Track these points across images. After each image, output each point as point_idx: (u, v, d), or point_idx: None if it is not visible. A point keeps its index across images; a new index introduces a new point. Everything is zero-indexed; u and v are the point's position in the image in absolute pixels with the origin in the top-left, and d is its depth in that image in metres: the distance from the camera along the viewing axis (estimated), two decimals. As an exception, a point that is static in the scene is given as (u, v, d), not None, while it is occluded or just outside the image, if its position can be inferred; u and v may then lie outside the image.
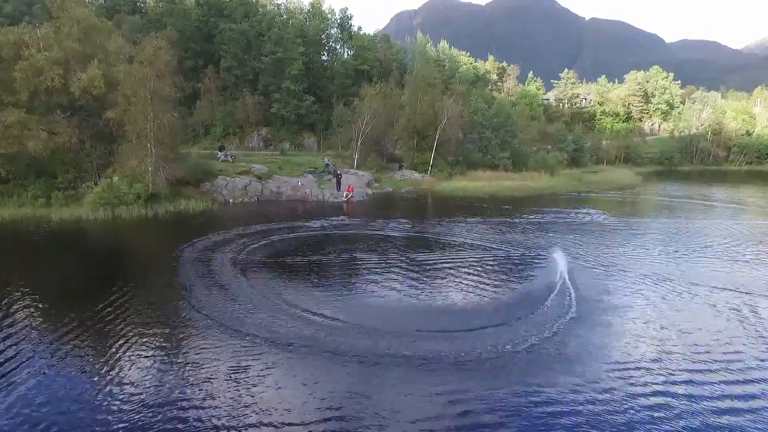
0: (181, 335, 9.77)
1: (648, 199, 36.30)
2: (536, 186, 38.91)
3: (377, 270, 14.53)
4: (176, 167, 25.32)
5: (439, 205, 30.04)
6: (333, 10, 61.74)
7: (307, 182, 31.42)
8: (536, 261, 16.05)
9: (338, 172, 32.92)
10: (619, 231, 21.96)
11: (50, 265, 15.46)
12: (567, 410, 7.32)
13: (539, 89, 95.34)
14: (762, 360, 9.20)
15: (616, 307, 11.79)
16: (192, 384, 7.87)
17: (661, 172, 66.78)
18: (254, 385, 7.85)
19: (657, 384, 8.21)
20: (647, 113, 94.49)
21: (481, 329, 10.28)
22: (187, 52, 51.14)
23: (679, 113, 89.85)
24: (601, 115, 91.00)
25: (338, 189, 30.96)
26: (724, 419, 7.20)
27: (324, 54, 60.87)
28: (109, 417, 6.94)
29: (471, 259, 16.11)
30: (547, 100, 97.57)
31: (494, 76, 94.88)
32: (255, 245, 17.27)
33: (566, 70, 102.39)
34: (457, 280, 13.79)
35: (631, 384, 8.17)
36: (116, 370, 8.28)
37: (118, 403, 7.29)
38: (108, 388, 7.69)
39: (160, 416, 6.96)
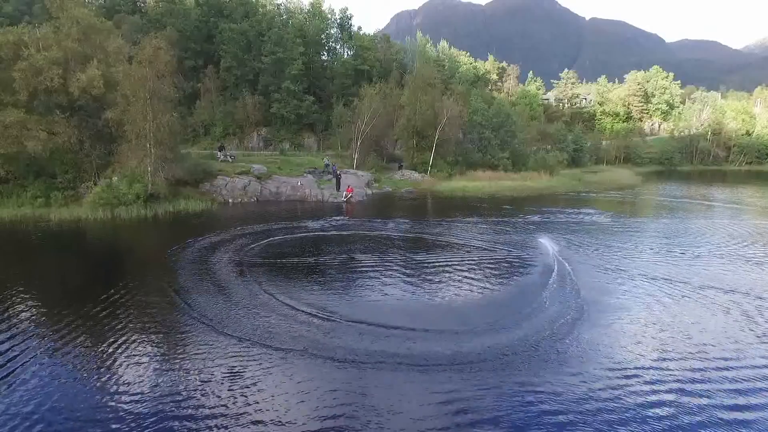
0: (179, 336, 9.75)
1: (648, 199, 36.29)
2: (536, 186, 38.91)
3: (376, 271, 14.51)
4: (176, 167, 25.30)
5: (438, 205, 30.02)
6: (333, 10, 61.82)
7: (306, 182, 31.41)
8: (535, 262, 16.02)
9: (338, 172, 32.91)
10: (620, 231, 21.94)
11: (49, 265, 15.44)
12: (568, 412, 7.27)
13: (539, 89, 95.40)
14: (766, 362, 9.10)
15: (616, 307, 11.74)
16: (189, 385, 7.85)
17: (661, 172, 66.78)
18: (251, 387, 7.82)
19: (658, 386, 8.13)
20: (647, 113, 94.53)
21: (481, 331, 10.27)
22: (187, 52, 51.16)
23: (679, 113, 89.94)
24: (601, 115, 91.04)
25: (338, 189, 30.96)
26: (728, 422, 7.13)
27: (324, 54, 60.88)
28: (106, 418, 6.92)
29: (470, 259, 16.09)
30: (547, 100, 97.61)
31: (494, 76, 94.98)
32: (254, 246, 17.26)
33: (566, 70, 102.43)
34: (456, 280, 13.75)
35: (633, 386, 8.11)
36: (113, 371, 8.25)
37: (114, 404, 7.27)
38: (104, 389, 7.67)
39: (155, 417, 6.94)
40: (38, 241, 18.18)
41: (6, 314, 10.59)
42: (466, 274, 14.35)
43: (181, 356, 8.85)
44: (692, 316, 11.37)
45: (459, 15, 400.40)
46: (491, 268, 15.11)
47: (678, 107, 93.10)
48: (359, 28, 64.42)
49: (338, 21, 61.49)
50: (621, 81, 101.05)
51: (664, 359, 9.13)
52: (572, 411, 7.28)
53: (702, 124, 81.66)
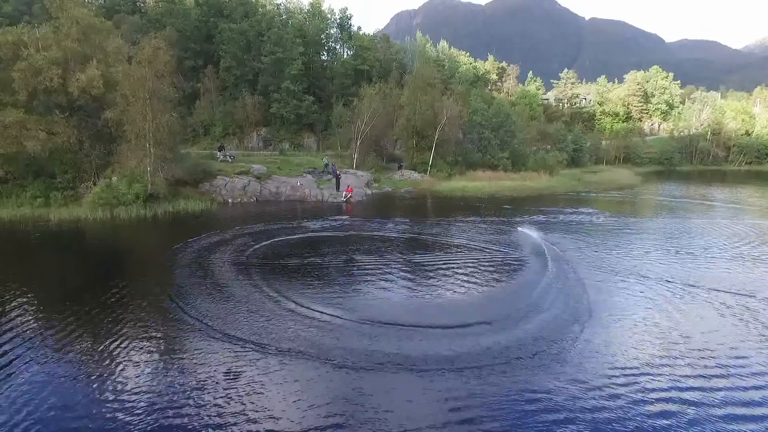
0: (177, 337, 9.74)
1: (648, 199, 36.28)
2: (536, 186, 38.90)
3: (375, 271, 14.50)
4: (175, 167, 25.30)
5: (438, 205, 30.01)
6: (333, 10, 61.82)
7: (306, 182, 31.41)
8: (528, 258, 16.02)
9: (337, 172, 32.91)
10: (620, 231, 21.93)
11: (48, 265, 15.44)
12: (570, 415, 7.22)
13: (539, 89, 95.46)
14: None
15: (617, 309, 11.70)
16: (186, 386, 7.83)
17: (661, 172, 66.77)
18: (248, 389, 7.80)
19: (661, 389, 8.03)
20: (647, 113, 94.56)
21: (481, 331, 10.26)
22: (186, 52, 51.18)
23: (678, 113, 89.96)
24: (600, 115, 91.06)
25: (337, 189, 30.95)
26: (732, 426, 7.07)
27: (324, 54, 60.89)
28: (102, 419, 6.92)
29: (470, 260, 16.08)
30: (547, 100, 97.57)
31: (494, 76, 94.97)
32: (253, 246, 17.25)
33: (566, 70, 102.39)
34: (455, 280, 13.74)
35: (635, 388, 8.01)
36: (110, 372, 8.24)
37: (110, 405, 7.26)
38: (102, 390, 7.66)
39: (152, 419, 6.93)
40: (37, 241, 18.17)
41: (5, 314, 10.58)
42: (466, 274, 14.33)
43: (178, 357, 8.84)
44: (697, 318, 11.25)
45: (459, 15, 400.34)
46: (491, 268, 15.08)
47: (678, 107, 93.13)
48: (359, 28, 64.50)
49: (338, 21, 61.49)
50: (621, 81, 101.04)
51: (667, 361, 9.02)
52: (574, 414, 7.22)
53: (702, 124, 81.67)
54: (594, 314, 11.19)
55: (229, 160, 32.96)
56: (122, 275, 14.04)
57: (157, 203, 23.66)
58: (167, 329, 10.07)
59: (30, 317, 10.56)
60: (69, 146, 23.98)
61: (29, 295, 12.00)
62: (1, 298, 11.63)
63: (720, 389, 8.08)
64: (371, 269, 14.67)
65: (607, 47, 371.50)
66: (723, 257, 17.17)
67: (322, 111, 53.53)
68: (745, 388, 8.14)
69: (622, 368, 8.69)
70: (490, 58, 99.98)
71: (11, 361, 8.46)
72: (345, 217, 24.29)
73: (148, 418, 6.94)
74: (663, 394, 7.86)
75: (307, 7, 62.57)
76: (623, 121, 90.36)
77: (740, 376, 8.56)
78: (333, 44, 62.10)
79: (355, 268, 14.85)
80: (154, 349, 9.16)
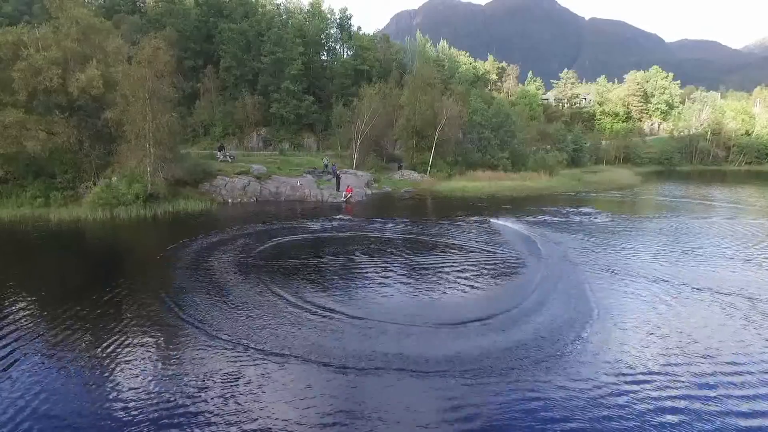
0: (175, 338, 9.72)
1: (648, 199, 36.29)
2: (536, 186, 38.91)
3: (375, 272, 14.49)
4: (175, 167, 25.29)
5: (438, 206, 30.01)
6: (332, 10, 61.80)
7: (306, 182, 31.40)
8: (533, 263, 16.03)
9: (337, 172, 32.91)
10: (620, 231, 21.93)
11: (47, 265, 15.43)
12: (571, 418, 7.18)
13: (539, 89, 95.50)
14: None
15: (618, 310, 11.64)
16: (184, 387, 7.81)
17: (661, 172, 66.77)
18: (247, 390, 7.78)
19: (663, 392, 7.96)
20: (647, 113, 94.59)
21: (481, 332, 10.26)
22: (186, 52, 51.16)
23: (678, 113, 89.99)
24: (600, 115, 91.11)
25: (337, 189, 30.95)
26: (738, 429, 7.03)
27: (323, 54, 60.88)
28: (100, 419, 6.93)
29: (470, 260, 16.07)
30: (547, 100, 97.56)
31: (494, 76, 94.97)
32: (253, 246, 17.25)
33: (566, 70, 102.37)
34: (455, 281, 13.73)
35: (637, 391, 7.92)
36: (108, 372, 8.23)
37: (107, 405, 7.26)
38: (99, 390, 7.65)
39: (149, 420, 6.92)
40: (37, 241, 18.16)
41: (5, 314, 10.57)
42: (466, 275, 14.33)
43: (176, 358, 8.82)
44: (699, 319, 11.16)
45: (459, 15, 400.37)
46: (491, 269, 15.08)
47: (677, 107, 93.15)
48: (359, 28, 64.50)
49: (338, 21, 61.48)
50: (620, 81, 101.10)
51: (672, 365, 8.88)
52: (576, 417, 7.16)
53: (701, 124, 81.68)
54: (597, 317, 11.14)
55: (229, 160, 32.95)
56: (122, 275, 14.02)
57: (157, 203, 23.65)
58: (167, 329, 10.05)
59: (30, 317, 10.55)
60: (69, 146, 23.98)
61: (29, 295, 11.99)
62: (1, 298, 11.63)
63: (726, 392, 7.98)
64: (372, 269, 14.65)
65: (607, 47, 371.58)
66: (724, 257, 17.16)
67: (322, 111, 53.52)
68: (752, 391, 8.05)
69: (629, 373, 8.52)
70: (490, 58, 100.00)
71: (11, 361, 8.45)
72: (345, 217, 24.28)
73: (147, 418, 6.93)
74: (668, 398, 7.76)
75: (307, 7, 62.57)
76: (623, 121, 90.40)
77: (746, 379, 8.46)
78: (333, 44, 62.10)
79: (355, 268, 14.84)
80: (154, 350, 9.15)
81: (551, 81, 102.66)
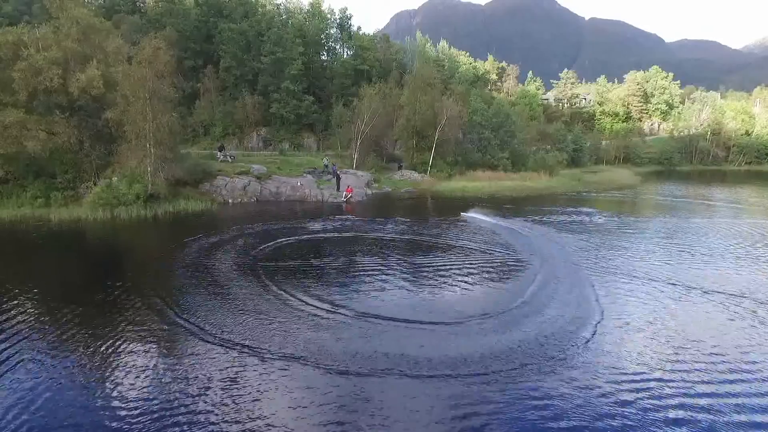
0: (175, 339, 9.71)
1: (648, 199, 36.29)
2: (536, 186, 38.90)
3: (376, 272, 14.48)
4: (175, 167, 25.29)
5: (438, 206, 30.00)
6: (332, 10, 61.79)
7: (306, 182, 31.41)
8: (532, 263, 16.03)
9: (337, 172, 32.91)
10: (621, 232, 21.93)
11: (47, 265, 15.43)
12: (572, 421, 7.14)
13: (539, 89, 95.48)
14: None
15: (620, 311, 11.61)
16: (183, 389, 7.79)
17: (661, 172, 66.79)
18: (246, 391, 7.77)
19: (666, 392, 7.94)
20: (647, 113, 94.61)
21: (481, 332, 10.26)
22: (186, 52, 51.16)
23: (678, 113, 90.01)
24: (600, 115, 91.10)
25: (337, 189, 30.95)
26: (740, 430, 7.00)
27: (323, 54, 60.87)
28: (98, 420, 6.93)
29: (469, 261, 16.08)
30: (547, 100, 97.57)
31: (494, 76, 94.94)
32: (253, 246, 17.25)
33: (566, 70, 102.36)
34: (455, 281, 13.75)
35: (640, 394, 7.86)
36: (107, 373, 8.22)
37: (106, 406, 7.26)
38: (98, 391, 7.64)
39: (150, 421, 6.92)
40: (38, 242, 18.15)
41: (4, 314, 10.57)
42: (465, 275, 14.34)
43: (176, 359, 8.81)
44: (702, 320, 11.15)
45: (459, 15, 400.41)
46: (491, 269, 15.09)
47: (677, 107, 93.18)
48: (359, 28, 64.47)
49: (338, 21, 61.47)
50: (620, 81, 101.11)
51: (675, 367, 8.83)
52: (576, 417, 7.16)
53: (701, 124, 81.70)
54: (598, 318, 11.11)
55: (229, 160, 32.96)
56: (122, 275, 14.01)
57: (158, 203, 23.65)
58: (167, 330, 10.05)
59: (29, 317, 10.54)
60: (69, 146, 23.97)
61: (29, 296, 11.98)
62: (1, 298, 11.62)
63: (731, 394, 7.93)
64: (372, 270, 14.64)
65: (606, 47, 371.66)
66: (725, 257, 17.13)
67: (322, 111, 53.52)
68: (756, 392, 8.02)
69: (630, 375, 8.46)
70: (490, 58, 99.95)
71: (11, 362, 8.45)
72: (345, 217, 24.28)
73: (146, 419, 6.93)
74: (671, 399, 7.73)
75: (307, 7, 62.57)
76: (623, 121, 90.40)
77: (750, 379, 8.42)
78: (333, 44, 62.09)
79: (356, 269, 14.83)
80: (154, 350, 9.14)
81: (551, 81, 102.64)
